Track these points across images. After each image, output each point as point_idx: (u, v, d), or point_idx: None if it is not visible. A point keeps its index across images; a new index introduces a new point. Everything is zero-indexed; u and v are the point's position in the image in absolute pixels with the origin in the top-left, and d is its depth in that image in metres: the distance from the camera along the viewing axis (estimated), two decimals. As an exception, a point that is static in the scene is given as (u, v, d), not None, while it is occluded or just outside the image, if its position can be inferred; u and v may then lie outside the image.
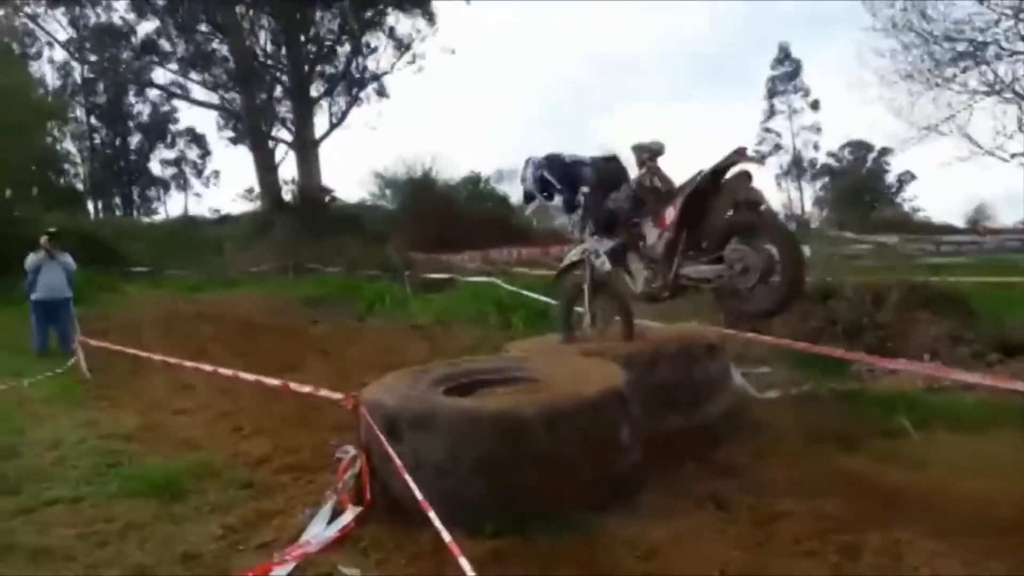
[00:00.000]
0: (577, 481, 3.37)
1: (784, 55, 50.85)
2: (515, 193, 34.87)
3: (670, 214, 4.41)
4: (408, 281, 13.30)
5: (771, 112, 51.89)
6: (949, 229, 40.71)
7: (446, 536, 2.59)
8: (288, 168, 27.23)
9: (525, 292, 9.46)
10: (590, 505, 3.34)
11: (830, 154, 51.39)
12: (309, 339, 10.08)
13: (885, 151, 45.96)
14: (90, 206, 36.99)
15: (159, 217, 40.45)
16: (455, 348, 8.30)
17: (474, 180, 30.29)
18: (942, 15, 10.61)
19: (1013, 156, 9.85)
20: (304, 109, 26.04)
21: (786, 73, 51.20)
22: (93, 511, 3.84)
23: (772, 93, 51.62)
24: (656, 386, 4.18)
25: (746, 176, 4.12)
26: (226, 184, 48.73)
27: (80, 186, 35.95)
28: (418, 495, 2.87)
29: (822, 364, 5.93)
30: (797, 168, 51.65)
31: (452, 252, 20.62)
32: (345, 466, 3.60)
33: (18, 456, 4.92)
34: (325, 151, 27.40)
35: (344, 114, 27.42)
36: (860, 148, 49.41)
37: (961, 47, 10.47)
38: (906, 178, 48.19)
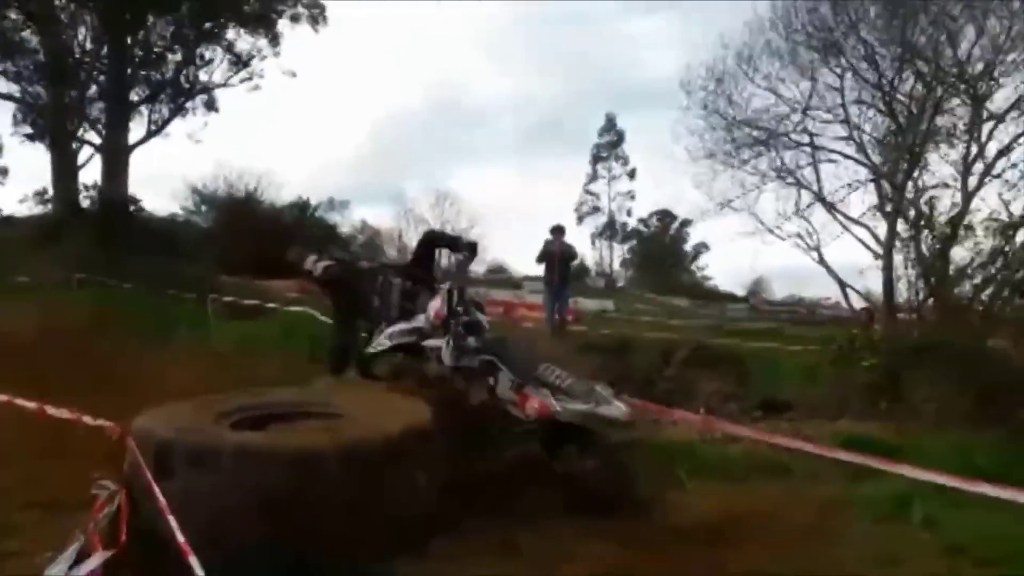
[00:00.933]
0: (368, 525, 3.21)
1: (610, 125, 54.43)
2: (346, 225, 34.10)
3: None
4: (211, 304, 12.39)
5: (594, 176, 55.12)
6: (732, 297, 45.33)
7: None
8: (91, 173, 24.80)
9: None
10: (380, 551, 3.21)
11: (640, 220, 55.36)
12: (91, 362, 9.02)
13: (686, 222, 50.58)
14: None
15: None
16: (257, 379, 7.78)
17: (301, 206, 29.24)
18: (744, 102, 11.93)
19: (789, 236, 11.19)
20: (120, 113, 23.81)
21: (610, 142, 54.73)
22: None
23: (596, 159, 54.98)
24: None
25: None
26: (15, 184, 43.22)
27: None
28: (179, 538, 2.58)
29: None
30: (610, 230, 54.93)
31: (270, 278, 19.62)
32: (101, 504, 3.19)
33: None
34: (138, 159, 25.16)
35: (166, 122, 25.27)
36: (665, 216, 53.73)
37: (756, 133, 11.79)
38: (701, 248, 53.24)
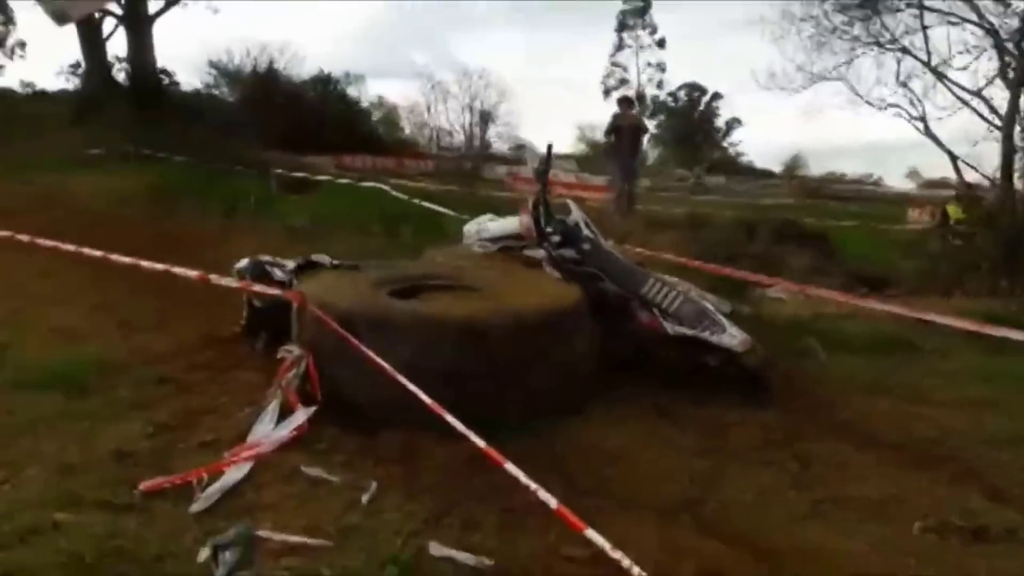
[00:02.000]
0: (536, 388, 3.40)
1: (636, -11, 51.50)
2: (366, 98, 33.20)
3: None
4: (273, 178, 12.45)
5: (620, 45, 52.67)
6: (768, 173, 44.45)
7: (480, 442, 2.49)
8: (116, 45, 24.20)
9: (417, 201, 9.19)
10: (547, 412, 3.41)
11: (669, 94, 53.40)
12: (167, 235, 9.22)
13: (717, 95, 48.85)
14: None
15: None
16: (338, 254, 7.92)
17: (324, 80, 28.53)
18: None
19: (889, 106, 10.74)
20: (138, -21, 23.00)
21: (636, 8, 51.96)
22: (-16, 403, 3.39)
23: (622, 27, 52.20)
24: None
25: None
26: (35, 58, 42.03)
27: None
28: (425, 399, 2.73)
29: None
30: (640, 104, 53.20)
31: (297, 153, 19.52)
32: (288, 365, 3.41)
33: None
34: (159, 30, 24.46)
35: (186, -12, 24.54)
36: (695, 90, 51.78)
37: None
38: (733, 123, 51.45)
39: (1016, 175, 9.13)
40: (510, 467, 2.13)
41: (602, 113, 73.30)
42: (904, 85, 10.83)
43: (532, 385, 3.40)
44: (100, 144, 17.79)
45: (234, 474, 2.80)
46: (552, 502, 1.92)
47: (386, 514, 2.65)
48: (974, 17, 10.32)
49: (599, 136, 48.07)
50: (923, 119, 10.59)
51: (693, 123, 52.49)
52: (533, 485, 2.01)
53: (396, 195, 10.07)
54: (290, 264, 4.15)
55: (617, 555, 1.66)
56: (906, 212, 19.33)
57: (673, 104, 53.71)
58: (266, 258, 4.28)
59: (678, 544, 2.60)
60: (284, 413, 3.21)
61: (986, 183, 9.99)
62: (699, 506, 2.94)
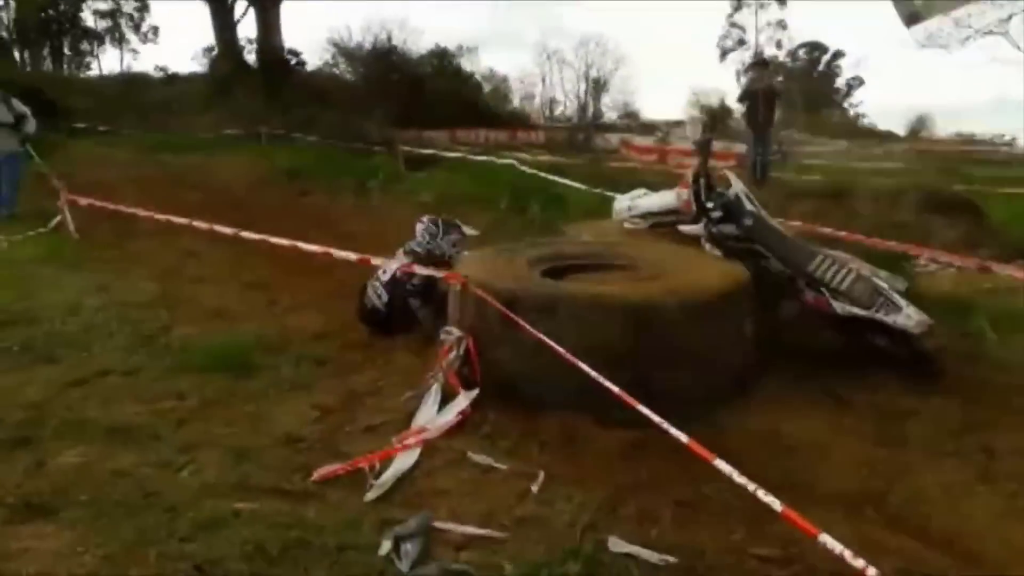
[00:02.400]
0: (705, 373, 3.22)
1: (757, -54, 48.63)
2: (478, 71, 33.13)
3: None
4: (401, 156, 12.64)
5: (739, 5, 50.11)
6: (893, 136, 41.42)
7: (682, 437, 2.31)
8: (246, 27, 25.29)
9: (543, 175, 9.04)
10: (716, 398, 3.20)
11: (789, 53, 50.39)
12: (305, 213, 9.52)
13: (839, 54, 45.68)
14: (16, 57, 33.74)
15: (93, 73, 37.38)
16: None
17: (439, 54, 28.73)
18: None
19: None
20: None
21: (758, -35, 49.12)
22: (156, 386, 3.50)
23: (743, -16, 49.68)
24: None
25: None
26: (165, 42, 44.76)
27: (3, 34, 32.65)
28: (613, 387, 2.59)
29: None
30: (766, 67, 50.45)
31: (418, 129, 19.76)
32: (448, 348, 3.33)
33: (38, 322, 4.46)
34: (287, 11, 25.36)
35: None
36: (815, 49, 48.63)
37: None
38: (854, 83, 48.14)
39: None
40: (721, 464, 1.92)
41: (717, 77, 70.72)
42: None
43: (705, 369, 3.26)
44: (232, 126, 18.68)
45: (404, 460, 2.76)
46: (776, 504, 1.72)
47: (558, 504, 2.56)
48: None
49: (714, 102, 46.60)
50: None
51: (813, 83, 49.31)
52: (751, 486, 1.81)
53: (523, 169, 9.94)
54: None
55: (859, 563, 1.44)
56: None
57: (792, 64, 50.69)
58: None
59: (873, 540, 2.41)
60: (446, 396, 3.17)
61: None
62: (884, 499, 2.76)
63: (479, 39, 66.23)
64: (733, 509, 2.52)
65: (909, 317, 3.54)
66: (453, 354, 3.29)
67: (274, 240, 4.53)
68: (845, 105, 49.62)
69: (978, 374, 3.80)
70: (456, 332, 3.34)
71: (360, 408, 3.28)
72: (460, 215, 9.21)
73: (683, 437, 2.10)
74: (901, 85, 64.18)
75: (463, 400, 3.11)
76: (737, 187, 4.23)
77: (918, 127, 43.23)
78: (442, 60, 28.72)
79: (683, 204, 4.28)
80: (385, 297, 4.32)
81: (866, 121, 46.76)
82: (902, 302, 3.62)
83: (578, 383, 2.98)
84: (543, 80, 38.46)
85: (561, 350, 2.78)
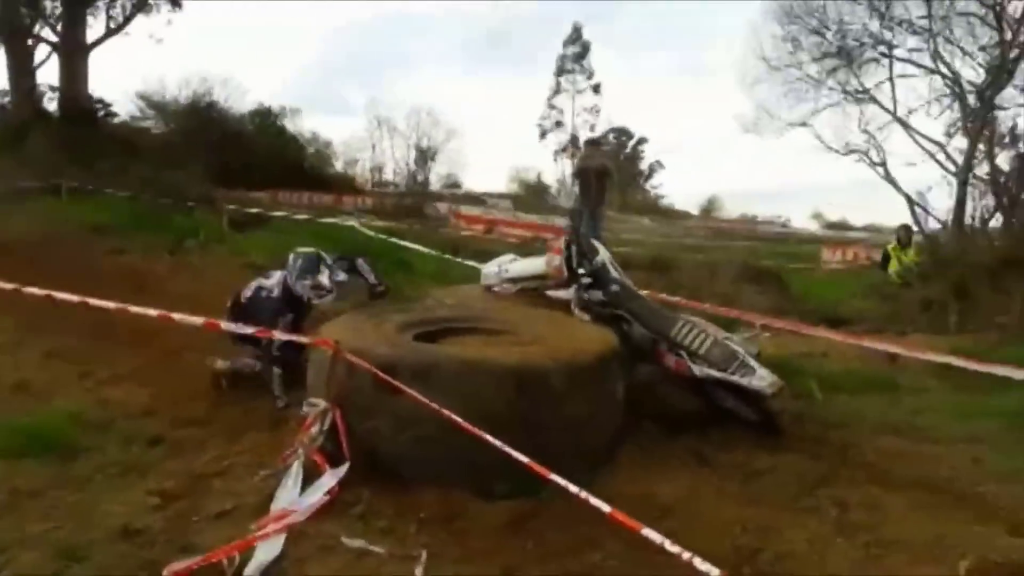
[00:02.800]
0: (584, 437, 3.18)
1: (576, 35, 52.65)
2: (302, 131, 32.40)
3: None
4: (226, 215, 11.83)
5: (557, 89, 53.62)
6: (687, 215, 45.78)
7: (604, 507, 2.18)
8: (48, 74, 23.03)
9: (388, 239, 8.80)
10: (592, 462, 3.16)
11: (601, 136, 54.26)
12: (117, 272, 8.56)
13: (642, 140, 50.22)
14: None
15: None
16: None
17: (262, 113, 27.84)
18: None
19: (851, 151, 11.22)
20: (77, 8, 21.97)
21: (575, 53, 53.11)
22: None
23: (561, 71, 53.27)
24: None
25: None
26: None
27: None
28: (521, 457, 2.45)
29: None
30: (573, 146, 53.76)
31: (245, 189, 18.85)
32: (311, 421, 3.04)
33: None
34: (97, 59, 23.44)
35: (127, 19, 23.63)
36: (622, 134, 52.92)
37: (830, 44, 11.61)
38: (655, 166, 53.13)
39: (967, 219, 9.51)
40: (649, 533, 1.83)
41: (536, 155, 74.83)
42: (866, 132, 11.34)
43: (583, 433, 3.21)
44: (27, 177, 16.75)
45: (268, 550, 2.46)
46: (714, 572, 1.64)
47: (445, 586, 2.38)
48: (943, 69, 10.87)
49: (531, 177, 48.79)
50: (884, 164, 11.06)
51: (621, 166, 53.58)
52: (687, 555, 1.73)
53: (367, 232, 9.67)
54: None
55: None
56: (820, 252, 19.90)
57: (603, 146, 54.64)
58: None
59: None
60: (308, 475, 2.88)
61: (937, 226, 10.36)
62: (757, 556, 2.81)
63: (303, 102, 65.70)
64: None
65: (763, 378, 3.70)
66: (316, 428, 3.01)
67: (94, 302, 3.95)
68: (647, 186, 53.99)
69: (813, 432, 4.07)
70: (321, 403, 3.06)
71: (207, 492, 2.91)
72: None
73: (605, 507, 2.00)
74: (697, 169, 70.77)
75: (330, 478, 2.83)
76: (604, 255, 4.33)
77: (709, 207, 47.96)
78: (264, 119, 27.81)
79: (554, 270, 4.30)
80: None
81: (665, 201, 51.33)
82: (756, 364, 3.80)
83: (458, 454, 2.84)
84: (372, 146, 38.37)
85: (459, 419, 2.61)
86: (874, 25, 11.31)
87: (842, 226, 39.30)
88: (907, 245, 10.36)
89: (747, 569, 2.72)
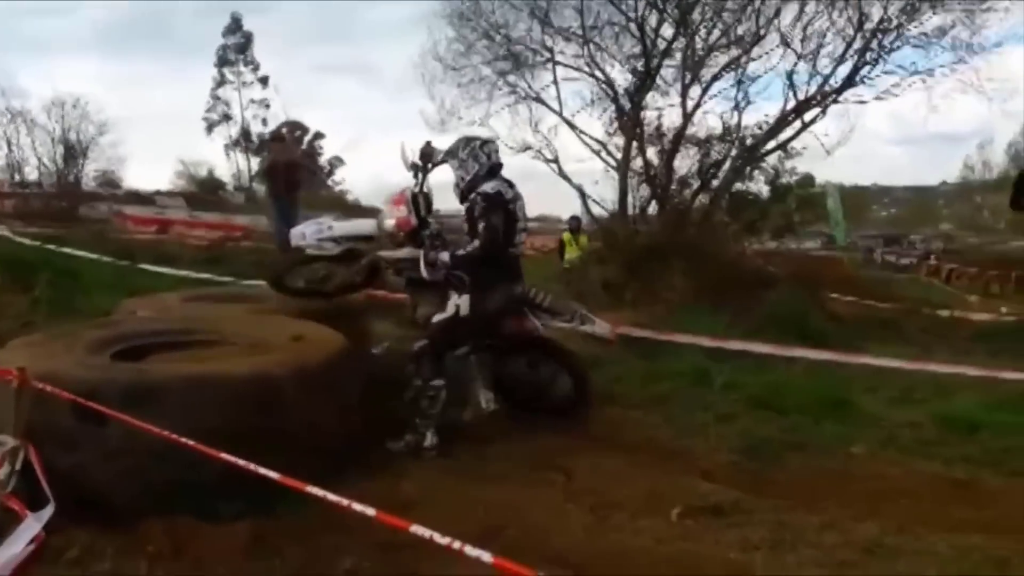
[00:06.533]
0: (320, 444, 3.14)
1: (236, 25, 49.89)
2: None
3: None
4: None
5: (221, 81, 50.53)
6: (377, 210, 46.48)
7: (369, 511, 2.03)
8: None
9: (48, 246, 7.54)
10: (332, 468, 3.15)
11: (272, 131, 52.18)
12: None
13: (319, 135, 49.61)
14: None
15: None
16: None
17: None
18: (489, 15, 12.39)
19: (526, 149, 12.22)
20: None
21: (237, 44, 50.49)
22: None
23: (223, 62, 50.27)
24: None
25: None
26: None
27: None
28: (272, 475, 2.24)
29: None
30: (245, 141, 51.12)
31: None
32: (-1, 462, 2.62)
33: None
34: None
35: None
36: (297, 128, 51.74)
37: (500, 48, 12.40)
38: (336, 162, 52.75)
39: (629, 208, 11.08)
40: (418, 528, 1.85)
41: (204, 149, 70.03)
42: (537, 130, 12.52)
43: (320, 440, 3.15)
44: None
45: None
46: (486, 556, 1.71)
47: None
48: (598, 74, 12.34)
49: (203, 173, 45.45)
50: (556, 160, 12.32)
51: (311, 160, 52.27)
52: (457, 544, 1.76)
53: (22, 241, 8.19)
54: None
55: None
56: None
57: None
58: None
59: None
60: (4, 525, 2.48)
61: (605, 215, 11.88)
62: (504, 533, 2.96)
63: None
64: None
65: (603, 326, 4.19)
66: (5, 470, 2.60)
67: None
68: (329, 183, 53.00)
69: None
70: (8, 441, 2.65)
71: None
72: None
73: (370, 511, 2.01)
74: (380, 166, 71.42)
75: (34, 524, 2.47)
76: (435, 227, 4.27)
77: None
78: None
79: (400, 220, 4.14)
80: None
81: (350, 197, 51.13)
82: (593, 317, 4.21)
83: (181, 479, 2.67)
84: (8, 143, 32.57)
85: (187, 440, 2.42)
86: (537, 31, 12.54)
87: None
88: (577, 231, 11.90)
89: (495, 547, 2.93)
